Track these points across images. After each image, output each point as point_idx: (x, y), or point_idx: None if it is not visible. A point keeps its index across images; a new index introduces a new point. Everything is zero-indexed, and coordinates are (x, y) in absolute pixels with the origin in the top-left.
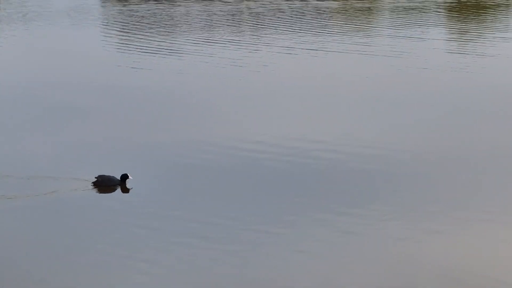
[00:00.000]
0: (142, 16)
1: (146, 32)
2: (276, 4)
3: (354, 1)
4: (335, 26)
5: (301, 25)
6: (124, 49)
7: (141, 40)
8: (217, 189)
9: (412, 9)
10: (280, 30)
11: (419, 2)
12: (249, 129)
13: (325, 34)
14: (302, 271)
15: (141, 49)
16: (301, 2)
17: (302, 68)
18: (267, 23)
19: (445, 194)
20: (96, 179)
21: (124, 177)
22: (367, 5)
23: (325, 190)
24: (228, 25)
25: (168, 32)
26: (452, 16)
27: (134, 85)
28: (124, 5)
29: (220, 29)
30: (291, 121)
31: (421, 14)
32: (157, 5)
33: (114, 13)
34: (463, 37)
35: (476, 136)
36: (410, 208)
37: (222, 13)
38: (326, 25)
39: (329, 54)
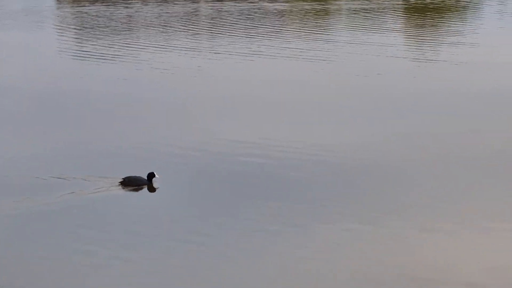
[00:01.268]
0: (98, 17)
1: (100, 35)
2: (226, 5)
3: (303, 3)
4: (290, 30)
5: (252, 29)
6: (79, 53)
7: (95, 44)
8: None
9: (365, 11)
10: (232, 34)
11: (374, 4)
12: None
13: (278, 38)
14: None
15: (95, 52)
16: (249, 4)
17: (252, 73)
18: (219, 27)
19: (416, 201)
20: (123, 179)
21: (151, 175)
22: (319, 7)
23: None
24: (181, 28)
25: (123, 34)
26: (406, 20)
27: (101, 89)
28: (80, 7)
29: (174, 31)
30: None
31: (375, 17)
32: (113, 6)
33: (68, 15)
34: (416, 42)
35: (435, 141)
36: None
37: (176, 15)
38: (277, 29)
39: (280, 60)
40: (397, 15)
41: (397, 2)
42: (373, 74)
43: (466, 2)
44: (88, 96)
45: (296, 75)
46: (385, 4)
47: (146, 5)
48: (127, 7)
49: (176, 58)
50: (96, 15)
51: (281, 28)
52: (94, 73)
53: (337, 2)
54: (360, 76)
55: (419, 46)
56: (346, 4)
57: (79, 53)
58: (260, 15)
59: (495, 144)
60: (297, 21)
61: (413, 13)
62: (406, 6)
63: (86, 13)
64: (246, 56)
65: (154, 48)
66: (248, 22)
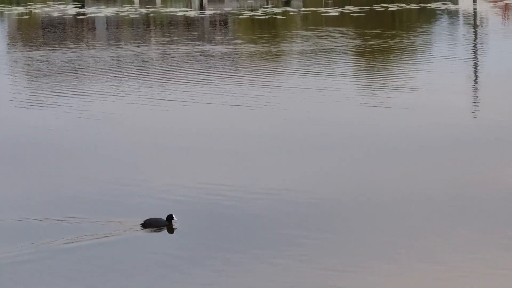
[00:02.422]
0: (49, 63)
1: (52, 80)
2: (173, 49)
3: (250, 46)
4: (236, 74)
5: (197, 74)
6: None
7: (47, 89)
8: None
9: (317, 53)
10: (181, 80)
11: (323, 45)
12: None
13: (224, 83)
14: None
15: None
16: (196, 48)
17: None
18: (166, 72)
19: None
20: (144, 222)
21: (170, 217)
22: (264, 50)
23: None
24: (129, 73)
25: (76, 80)
26: (355, 63)
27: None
28: (31, 51)
29: (121, 77)
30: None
31: (324, 59)
32: (67, 51)
33: (19, 60)
34: (363, 86)
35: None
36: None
37: (123, 59)
38: (224, 73)
39: (226, 106)
40: (346, 58)
41: (347, 44)
42: (320, 119)
43: (417, 44)
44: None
45: (243, 122)
46: (336, 45)
47: (93, 48)
48: (75, 52)
49: (115, 104)
50: (46, 60)
51: (228, 72)
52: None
53: (283, 44)
54: (308, 122)
55: (366, 91)
56: (292, 46)
57: (31, 102)
58: (205, 58)
59: (438, 186)
60: (244, 65)
61: (362, 55)
62: (356, 48)
63: (37, 59)
64: (190, 102)
65: (104, 95)
66: (194, 66)
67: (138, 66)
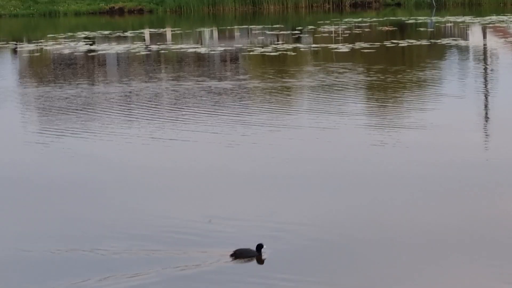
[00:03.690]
0: (58, 99)
1: (63, 117)
2: (185, 85)
3: (250, 81)
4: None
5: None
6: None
7: (60, 125)
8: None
9: (326, 89)
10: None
11: (330, 81)
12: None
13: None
14: None
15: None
16: (198, 84)
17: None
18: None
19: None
20: (234, 252)
21: (260, 246)
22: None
23: None
24: (145, 110)
25: (88, 116)
26: (361, 99)
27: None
28: (40, 87)
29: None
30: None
31: (337, 95)
32: (77, 87)
33: (28, 95)
34: (377, 123)
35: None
36: None
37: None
38: (236, 110)
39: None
40: (355, 94)
41: (356, 80)
42: (326, 158)
43: (427, 81)
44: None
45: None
46: (345, 82)
47: (104, 84)
48: (85, 88)
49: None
50: (55, 97)
51: (237, 109)
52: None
53: (293, 81)
54: (313, 160)
55: (374, 128)
56: (302, 82)
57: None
58: (214, 95)
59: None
60: (254, 101)
61: (371, 91)
62: (365, 84)
63: (46, 96)
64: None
65: (115, 132)
66: (203, 103)
67: (147, 103)
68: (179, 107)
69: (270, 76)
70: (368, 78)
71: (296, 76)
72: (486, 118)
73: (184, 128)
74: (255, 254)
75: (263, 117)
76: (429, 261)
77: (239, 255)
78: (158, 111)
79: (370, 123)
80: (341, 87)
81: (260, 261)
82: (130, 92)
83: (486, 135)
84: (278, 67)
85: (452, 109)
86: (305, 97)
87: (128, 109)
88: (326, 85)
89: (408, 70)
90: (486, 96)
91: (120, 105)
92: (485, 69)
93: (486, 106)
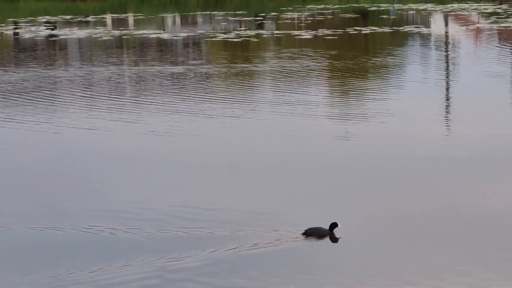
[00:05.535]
0: (18, 84)
1: (22, 101)
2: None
3: (225, 65)
4: (213, 93)
5: (175, 92)
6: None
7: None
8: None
9: (287, 75)
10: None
11: (297, 65)
12: None
13: (202, 101)
14: None
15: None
16: (177, 67)
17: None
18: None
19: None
20: (305, 231)
21: (333, 225)
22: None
23: None
24: (106, 94)
25: (48, 100)
26: (330, 85)
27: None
28: (2, 71)
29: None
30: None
31: (299, 81)
32: (37, 71)
33: None
34: (341, 110)
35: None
36: None
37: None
38: (201, 92)
39: (203, 123)
40: (317, 81)
41: (319, 67)
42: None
43: (390, 67)
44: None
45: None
46: (307, 68)
47: (65, 69)
48: (46, 72)
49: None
50: (15, 81)
51: (205, 91)
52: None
53: (255, 66)
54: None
55: (337, 116)
56: (264, 68)
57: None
58: (185, 78)
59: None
60: (215, 85)
61: (334, 78)
62: (328, 71)
63: (5, 80)
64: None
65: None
66: (165, 87)
67: (109, 87)
68: (139, 92)
69: (232, 63)
70: (330, 66)
71: (258, 62)
72: (448, 105)
73: (144, 113)
74: (327, 233)
75: (224, 105)
76: (388, 250)
77: (310, 233)
78: (115, 96)
79: (331, 112)
80: (303, 73)
81: (334, 239)
82: (89, 77)
83: (448, 123)
84: (241, 53)
85: (414, 98)
86: (266, 84)
87: (84, 95)
88: (287, 71)
89: (371, 57)
90: (447, 84)
91: (77, 90)
92: (447, 56)
93: (447, 93)
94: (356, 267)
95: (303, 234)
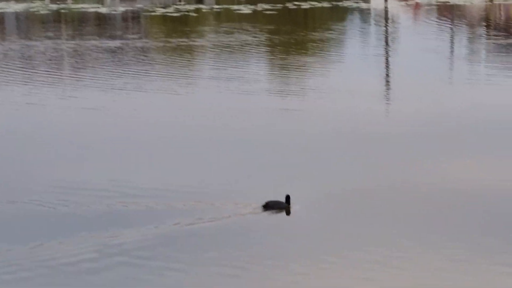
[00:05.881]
0: None
1: None
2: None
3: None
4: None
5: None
6: None
7: None
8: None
9: (224, 50)
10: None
11: (243, 40)
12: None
13: (140, 76)
14: None
15: None
16: (115, 41)
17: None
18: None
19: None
20: (265, 203)
21: (288, 197)
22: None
23: None
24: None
25: None
26: (268, 61)
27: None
28: None
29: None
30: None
31: (237, 56)
32: None
33: None
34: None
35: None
36: None
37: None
38: (140, 66)
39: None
40: (256, 56)
41: (258, 41)
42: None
43: (329, 42)
44: None
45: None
46: (246, 43)
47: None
48: None
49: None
50: None
51: (142, 65)
52: None
53: (193, 41)
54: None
55: (275, 91)
56: (202, 42)
57: None
58: (122, 53)
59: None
60: (153, 59)
61: (272, 53)
62: (266, 46)
63: None
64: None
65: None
66: (110, 59)
67: (45, 61)
68: (75, 67)
69: (170, 37)
70: (269, 40)
71: (196, 37)
72: (387, 81)
73: (80, 88)
74: (285, 206)
75: (162, 80)
76: (337, 222)
77: (270, 207)
78: (52, 70)
79: (270, 87)
80: (242, 48)
81: (289, 212)
82: (25, 51)
83: (387, 99)
84: (179, 28)
85: (353, 73)
86: (204, 59)
87: (20, 69)
88: (226, 46)
89: (310, 32)
90: (386, 59)
91: (13, 64)
92: (386, 31)
93: (387, 69)
94: (308, 239)
95: (263, 207)
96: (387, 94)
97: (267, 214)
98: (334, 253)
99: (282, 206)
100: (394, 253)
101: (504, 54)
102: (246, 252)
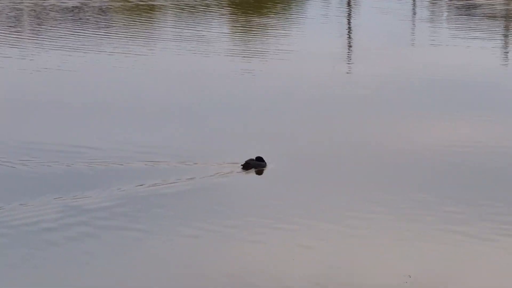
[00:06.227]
0: None
1: None
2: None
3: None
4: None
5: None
6: None
7: None
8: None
9: (194, 7)
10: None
11: (203, 1)
12: None
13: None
14: None
15: None
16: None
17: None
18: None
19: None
20: (245, 163)
21: (260, 159)
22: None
23: None
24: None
25: None
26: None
27: None
28: None
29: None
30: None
31: (205, 12)
32: None
33: None
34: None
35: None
36: None
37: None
38: (99, 27)
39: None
40: (215, 16)
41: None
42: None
43: (289, 1)
44: None
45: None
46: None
47: None
48: None
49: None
50: None
51: (100, 26)
52: None
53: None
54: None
55: (238, 55)
56: (163, 1)
57: None
58: (80, 12)
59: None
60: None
61: (233, 13)
62: (225, 4)
63: None
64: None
65: None
66: (68, 19)
67: (3, 20)
68: (32, 27)
69: None
70: (229, 1)
71: None
72: (349, 43)
73: (36, 49)
74: (264, 166)
75: (120, 41)
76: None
77: (249, 166)
78: (7, 30)
79: (231, 49)
80: (202, 9)
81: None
82: None
83: (349, 60)
84: None
85: (315, 34)
86: (165, 19)
87: None
88: (186, 6)
89: None
90: (348, 21)
91: None
92: None
93: (348, 31)
94: (277, 199)
95: (242, 166)
96: (349, 56)
97: (233, 174)
98: (304, 212)
99: (261, 166)
100: (354, 211)
101: (465, 16)
102: (209, 213)
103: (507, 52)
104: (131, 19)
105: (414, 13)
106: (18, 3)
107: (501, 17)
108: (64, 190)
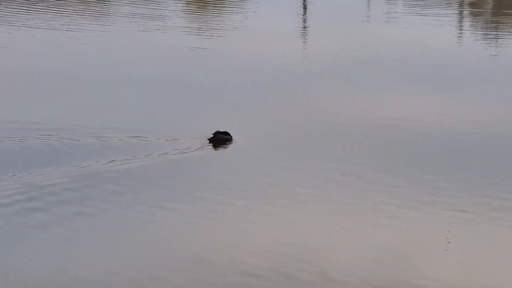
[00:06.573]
0: None
1: None
2: None
3: None
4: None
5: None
6: None
7: None
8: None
9: None
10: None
11: None
12: None
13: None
14: None
15: None
16: None
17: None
18: None
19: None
20: (212, 137)
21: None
22: None
23: None
24: None
25: None
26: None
27: None
28: None
29: None
30: None
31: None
32: None
33: None
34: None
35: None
36: None
37: None
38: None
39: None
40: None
41: None
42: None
43: None
44: None
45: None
46: None
47: None
48: None
49: None
50: None
51: (54, 2)
52: None
53: None
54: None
55: (192, 32)
56: None
57: None
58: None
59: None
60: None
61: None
62: None
63: None
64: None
65: None
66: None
67: None
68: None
69: None
70: None
71: None
72: (303, 19)
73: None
74: (230, 139)
75: (76, 18)
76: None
77: (216, 140)
78: None
79: (186, 25)
80: None
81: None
82: None
83: (304, 37)
84: None
85: (270, 11)
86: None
87: None
88: None
89: None
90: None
91: None
92: None
93: (304, 6)
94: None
95: (209, 139)
96: (304, 32)
97: (192, 150)
98: (273, 185)
99: (227, 139)
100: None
101: None
102: (164, 190)
103: (462, 28)
104: None
105: None
106: None
107: None
108: (21, 167)
